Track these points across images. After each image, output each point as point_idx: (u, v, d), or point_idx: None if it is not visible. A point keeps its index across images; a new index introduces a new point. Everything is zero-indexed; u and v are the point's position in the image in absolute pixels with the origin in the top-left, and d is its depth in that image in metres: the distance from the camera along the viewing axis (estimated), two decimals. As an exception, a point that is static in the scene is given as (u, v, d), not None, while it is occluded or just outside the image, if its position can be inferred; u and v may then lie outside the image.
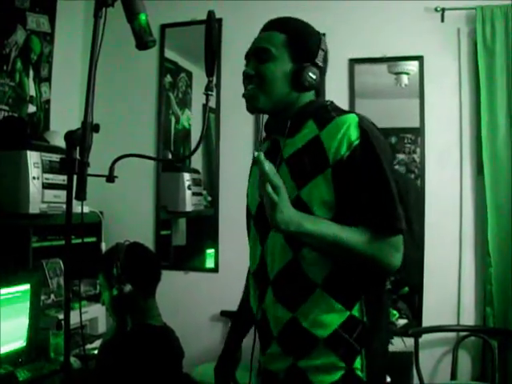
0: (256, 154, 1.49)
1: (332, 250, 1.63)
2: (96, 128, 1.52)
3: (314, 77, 1.77)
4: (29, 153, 3.10)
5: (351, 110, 1.81)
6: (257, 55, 1.82)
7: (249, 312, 1.99)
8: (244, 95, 1.85)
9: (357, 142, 1.64)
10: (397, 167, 3.94)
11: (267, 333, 1.81)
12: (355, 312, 1.70)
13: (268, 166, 1.49)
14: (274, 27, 1.83)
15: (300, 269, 1.71)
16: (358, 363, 1.69)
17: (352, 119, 1.69)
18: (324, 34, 3.66)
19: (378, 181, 1.65)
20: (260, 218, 1.82)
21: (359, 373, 1.69)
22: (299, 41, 1.79)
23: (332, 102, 1.84)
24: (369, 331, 1.71)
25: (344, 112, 1.76)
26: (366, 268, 1.69)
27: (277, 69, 1.77)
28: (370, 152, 1.65)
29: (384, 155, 1.67)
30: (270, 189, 1.49)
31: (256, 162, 1.50)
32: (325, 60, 1.84)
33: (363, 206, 1.64)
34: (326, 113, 1.76)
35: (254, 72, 1.80)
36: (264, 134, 2.01)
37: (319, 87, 1.85)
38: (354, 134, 1.65)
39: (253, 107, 1.85)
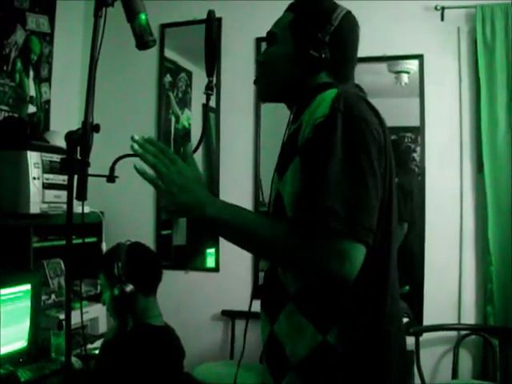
0: (134, 135, 1.43)
1: (244, 244, 1.44)
2: (96, 128, 1.52)
3: (316, 54, 1.56)
4: (29, 153, 3.10)
5: (334, 85, 1.55)
6: (266, 40, 1.72)
7: None
8: (254, 82, 1.77)
9: (320, 120, 1.41)
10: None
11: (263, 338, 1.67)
12: (330, 338, 1.43)
13: (137, 147, 1.40)
14: (288, 8, 1.70)
15: (276, 275, 1.55)
16: None
17: (329, 94, 1.46)
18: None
19: (316, 166, 1.38)
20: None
21: None
22: (303, 18, 1.62)
23: (336, 83, 1.58)
24: (346, 366, 1.43)
25: (327, 88, 1.53)
26: (304, 274, 1.45)
27: (277, 51, 1.66)
28: (326, 130, 1.39)
29: (348, 135, 1.38)
30: (139, 167, 1.39)
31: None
32: (339, 36, 1.59)
33: (299, 196, 1.41)
34: (315, 92, 1.54)
35: (262, 58, 1.73)
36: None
37: (335, 68, 1.61)
38: (321, 110, 1.42)
39: (260, 93, 1.78)
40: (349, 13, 1.65)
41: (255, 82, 1.76)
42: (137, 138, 1.41)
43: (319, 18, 1.59)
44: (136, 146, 1.40)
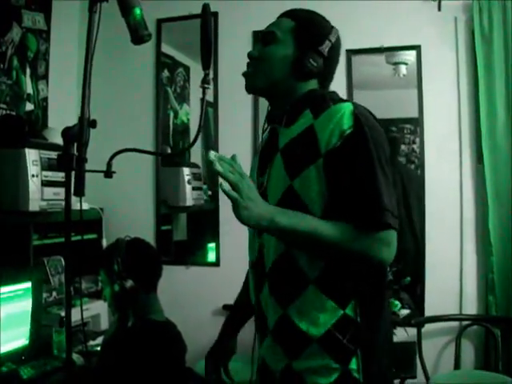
0: (210, 154, 1.48)
1: (311, 245, 1.59)
2: (93, 123, 1.52)
3: (314, 64, 1.74)
4: (27, 151, 3.09)
5: (348, 99, 1.76)
6: (263, 38, 1.81)
7: (247, 304, 1.99)
8: (243, 74, 1.85)
9: (349, 131, 1.59)
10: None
11: (263, 324, 1.80)
12: (348, 311, 1.64)
13: (219, 166, 1.48)
14: (286, 14, 1.84)
15: (293, 262, 1.67)
16: (353, 364, 1.64)
17: (346, 107, 1.64)
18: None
19: (365, 173, 1.58)
20: None
21: (356, 374, 1.63)
22: (307, 29, 1.78)
23: (334, 92, 1.79)
24: (364, 331, 1.65)
25: (340, 100, 1.72)
26: (355, 263, 1.64)
27: (278, 51, 1.77)
28: (360, 142, 1.59)
29: (377, 146, 1.60)
30: (225, 187, 1.47)
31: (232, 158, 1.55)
32: (333, 53, 1.79)
33: (349, 199, 1.58)
34: (323, 102, 1.71)
35: (258, 54, 1.81)
36: (266, 125, 1.96)
37: (324, 78, 1.82)
38: (346, 122, 1.60)
39: (250, 86, 1.84)
40: (338, 34, 1.84)
41: (245, 75, 1.85)
42: (213, 156, 1.49)
43: (321, 33, 1.77)
44: (218, 166, 1.48)
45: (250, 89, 1.86)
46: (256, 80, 1.81)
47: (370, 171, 1.57)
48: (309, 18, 1.82)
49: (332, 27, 1.81)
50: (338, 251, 1.58)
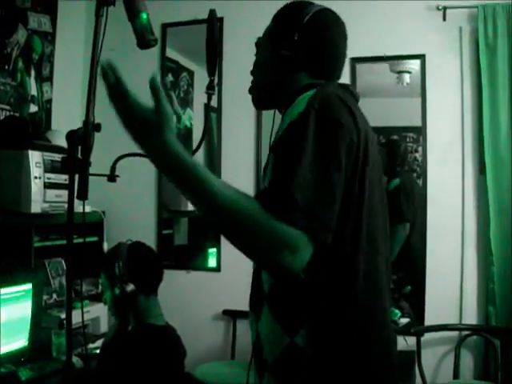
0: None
1: (197, 200, 1.37)
2: (98, 127, 1.52)
3: (287, 53, 1.59)
4: (30, 152, 3.10)
5: (317, 85, 1.54)
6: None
7: None
8: (248, 91, 1.81)
9: (294, 118, 1.41)
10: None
11: None
12: (298, 340, 1.42)
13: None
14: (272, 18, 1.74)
15: (259, 274, 1.57)
16: None
17: (307, 94, 1.46)
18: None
19: (286, 158, 1.36)
20: None
21: None
22: (278, 22, 1.68)
23: (324, 84, 1.57)
24: (314, 369, 1.42)
25: (309, 89, 1.51)
26: (237, 246, 1.36)
27: (260, 57, 1.74)
28: (300, 127, 1.37)
29: (320, 136, 1.36)
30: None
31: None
32: (311, 32, 1.59)
33: (269, 181, 1.37)
34: (297, 94, 1.53)
35: (252, 67, 1.79)
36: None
37: (314, 66, 1.62)
38: (296, 110, 1.42)
39: (254, 104, 1.80)
40: (324, 10, 1.65)
41: (249, 91, 1.79)
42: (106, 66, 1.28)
43: (290, 19, 1.63)
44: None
45: (254, 104, 1.79)
46: (254, 96, 1.76)
47: (294, 155, 1.34)
48: (281, 12, 1.69)
49: (305, 6, 1.63)
50: (223, 219, 1.34)
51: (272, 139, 1.65)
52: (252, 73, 1.77)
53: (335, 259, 1.41)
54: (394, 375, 1.53)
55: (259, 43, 1.74)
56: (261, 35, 1.77)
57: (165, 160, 1.31)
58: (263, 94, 1.74)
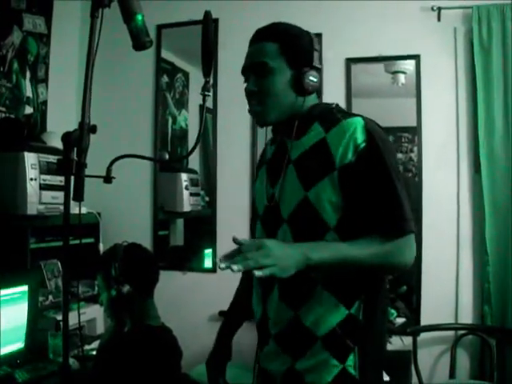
0: (220, 264, 1.51)
1: (346, 269, 1.65)
2: (93, 129, 1.52)
3: (314, 80, 1.78)
4: (26, 154, 3.10)
5: (357, 113, 1.80)
6: (255, 70, 1.82)
7: (241, 310, 2.01)
8: (250, 112, 1.86)
9: (363, 146, 1.65)
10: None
11: (265, 331, 1.84)
12: (353, 311, 1.70)
13: (236, 266, 1.47)
14: (264, 37, 1.83)
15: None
16: (350, 361, 1.70)
17: (358, 122, 1.70)
18: (320, 34, 3.69)
19: (384, 185, 1.65)
20: (267, 218, 1.86)
21: (352, 370, 1.70)
22: (293, 46, 1.79)
23: (337, 105, 1.86)
24: (363, 330, 1.72)
25: (350, 115, 1.78)
26: (381, 272, 1.77)
27: (278, 80, 1.78)
28: (375, 155, 1.66)
29: (390, 157, 1.68)
30: (259, 273, 1.46)
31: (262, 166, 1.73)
32: (320, 60, 1.83)
33: (372, 212, 1.65)
34: (332, 115, 1.77)
35: (257, 88, 1.81)
36: (270, 137, 2.03)
37: (320, 89, 1.87)
38: (360, 137, 1.66)
39: (263, 122, 1.86)
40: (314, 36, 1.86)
41: (253, 112, 1.86)
42: (223, 265, 1.51)
43: (307, 46, 1.80)
44: (235, 267, 1.48)
45: (263, 124, 1.88)
46: (268, 116, 1.82)
47: (389, 182, 1.65)
48: (289, 34, 1.82)
49: (308, 33, 1.84)
50: (370, 267, 1.63)
51: (298, 152, 1.79)
52: (259, 94, 1.81)
53: None
54: None
55: (268, 66, 1.78)
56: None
57: (324, 251, 1.63)
58: (278, 114, 1.82)
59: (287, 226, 1.75)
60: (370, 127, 1.69)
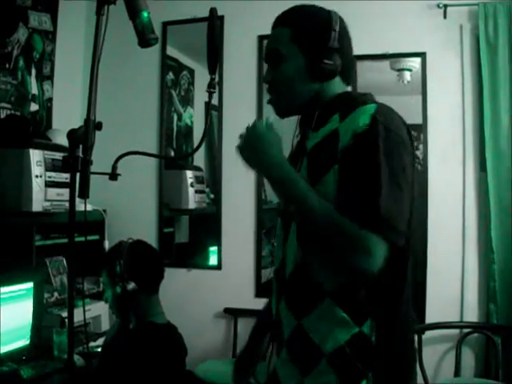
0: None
1: (298, 210, 1.57)
2: (98, 126, 1.52)
3: (331, 62, 1.62)
4: (31, 151, 3.10)
5: (375, 100, 1.65)
6: (269, 59, 1.74)
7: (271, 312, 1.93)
8: (269, 102, 1.79)
9: (362, 129, 1.50)
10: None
11: (280, 336, 1.73)
12: (365, 329, 1.55)
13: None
14: (279, 23, 1.72)
15: (310, 273, 1.59)
16: None
17: (370, 108, 1.55)
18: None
19: (368, 174, 1.48)
20: (284, 213, 1.76)
21: None
22: (305, 30, 1.66)
23: (366, 94, 1.69)
24: (377, 353, 1.55)
25: (370, 102, 1.61)
26: (324, 246, 1.55)
27: (289, 68, 1.67)
28: (371, 141, 1.49)
29: (390, 149, 1.49)
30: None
31: None
32: (343, 40, 1.67)
33: (344, 197, 1.50)
34: (353, 103, 1.61)
35: (271, 78, 1.73)
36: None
37: (345, 70, 1.69)
38: (362, 121, 1.52)
39: (281, 113, 1.76)
40: (339, 15, 1.70)
41: (270, 102, 1.77)
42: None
43: (323, 27, 1.64)
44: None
45: (282, 115, 1.78)
46: (283, 105, 1.74)
47: (375, 173, 1.47)
48: (302, 17, 1.69)
49: (329, 12, 1.68)
50: (314, 223, 1.52)
51: (312, 143, 1.68)
52: (275, 84, 1.73)
53: (399, 259, 1.58)
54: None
55: (280, 52, 1.69)
56: (261, 33, 1.78)
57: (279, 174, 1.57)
58: (297, 103, 1.72)
59: (295, 224, 1.66)
60: (380, 114, 1.53)
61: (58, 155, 3.22)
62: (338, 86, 1.70)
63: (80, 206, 1.62)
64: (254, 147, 1.60)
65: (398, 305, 1.64)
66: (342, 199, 1.50)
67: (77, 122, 1.63)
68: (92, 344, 3.34)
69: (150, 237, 4.06)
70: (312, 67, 1.65)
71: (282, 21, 1.71)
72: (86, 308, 3.48)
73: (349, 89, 1.77)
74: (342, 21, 1.69)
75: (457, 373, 3.59)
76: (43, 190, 3.14)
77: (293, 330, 1.65)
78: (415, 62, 3.91)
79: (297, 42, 1.66)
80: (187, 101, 4.53)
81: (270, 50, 1.73)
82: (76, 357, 2.97)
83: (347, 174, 1.51)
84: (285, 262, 1.69)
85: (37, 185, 3.09)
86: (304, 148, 1.70)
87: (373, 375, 1.54)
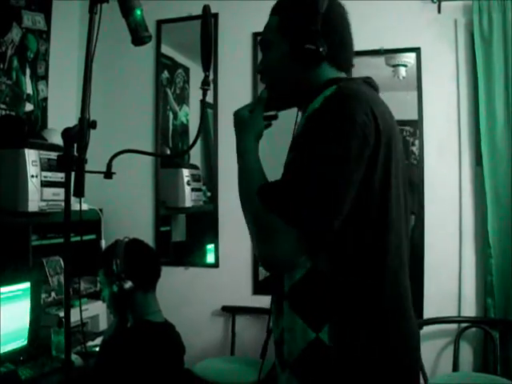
0: None
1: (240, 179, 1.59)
2: (93, 124, 1.52)
3: (312, 46, 1.53)
4: (27, 151, 3.09)
5: (350, 83, 1.58)
6: (260, 48, 1.72)
7: None
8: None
9: (310, 112, 1.46)
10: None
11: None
12: (323, 335, 1.42)
13: None
14: (271, 12, 1.68)
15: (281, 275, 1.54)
16: None
17: (326, 91, 1.49)
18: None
19: (297, 155, 1.44)
20: None
21: None
22: (290, 15, 1.60)
23: (351, 79, 1.64)
24: (340, 362, 1.42)
25: (330, 86, 1.52)
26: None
27: (273, 55, 1.64)
28: (312, 124, 1.44)
29: (337, 129, 1.39)
30: None
31: None
32: (331, 23, 1.57)
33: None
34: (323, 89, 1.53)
35: (261, 67, 1.70)
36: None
37: (335, 56, 1.61)
38: (316, 103, 1.46)
39: (273, 106, 1.70)
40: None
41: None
42: None
43: (306, 10, 1.56)
44: None
45: (274, 106, 1.70)
46: (273, 98, 1.66)
47: (302, 154, 1.41)
48: (289, 3, 1.63)
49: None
50: (249, 222, 1.50)
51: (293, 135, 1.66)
52: (264, 73, 1.69)
53: (363, 252, 1.44)
54: (417, 369, 1.58)
55: (267, 40, 1.66)
56: (256, 30, 1.78)
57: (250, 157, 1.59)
58: (284, 93, 1.67)
59: None
60: (335, 95, 1.45)
61: (54, 155, 3.21)
62: (327, 72, 1.61)
63: (76, 205, 1.62)
64: (235, 132, 1.65)
65: (369, 306, 1.46)
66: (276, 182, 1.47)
67: (72, 121, 1.62)
68: (90, 343, 3.35)
69: (147, 235, 4.06)
70: (294, 53, 1.57)
71: (273, 9, 1.68)
72: (84, 308, 3.49)
73: (342, 75, 1.66)
74: (335, 4, 1.63)
75: (455, 367, 3.59)
76: (39, 190, 3.13)
77: (279, 334, 1.57)
78: (410, 58, 3.91)
79: (281, 28, 1.61)
80: (182, 99, 4.53)
81: (260, 40, 1.73)
82: (74, 356, 2.98)
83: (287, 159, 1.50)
84: None
85: (32, 185, 3.08)
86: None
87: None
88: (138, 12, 1.62)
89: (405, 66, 3.95)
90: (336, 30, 1.60)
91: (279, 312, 1.54)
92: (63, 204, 1.51)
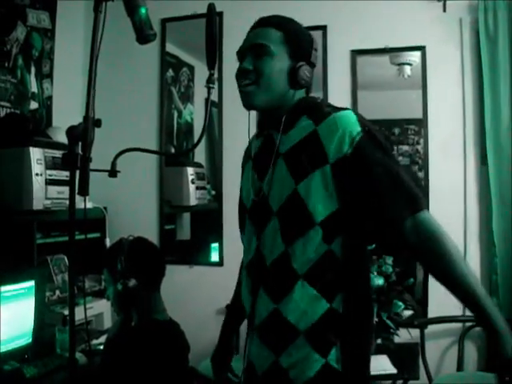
0: None
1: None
2: (98, 123, 1.52)
3: (309, 75, 1.79)
4: (31, 149, 3.10)
5: (344, 107, 1.78)
6: (254, 51, 1.79)
7: (242, 305, 2.00)
8: (241, 91, 1.83)
9: (359, 137, 1.64)
10: (400, 158, 3.93)
11: (252, 324, 1.85)
12: (335, 305, 1.70)
13: None
14: (268, 24, 1.83)
15: (288, 261, 1.71)
16: (332, 355, 1.69)
17: (350, 115, 1.70)
18: (325, 26, 3.68)
19: (387, 170, 1.65)
20: (255, 212, 1.85)
21: (334, 364, 1.69)
22: (296, 39, 1.80)
23: (323, 100, 1.92)
24: (345, 323, 1.71)
25: (338, 108, 1.75)
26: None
27: (275, 65, 1.77)
28: (374, 145, 1.66)
29: (386, 145, 1.69)
30: None
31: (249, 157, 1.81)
32: (316, 60, 1.86)
33: (383, 198, 1.65)
34: (320, 108, 1.77)
35: (252, 67, 1.78)
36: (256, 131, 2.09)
37: (310, 86, 1.88)
38: (355, 129, 1.65)
39: (251, 104, 1.84)
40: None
41: (245, 92, 1.83)
42: None
43: (308, 44, 1.82)
44: None
45: (249, 107, 1.87)
46: (259, 97, 1.80)
47: (391, 167, 1.67)
48: (294, 27, 1.84)
49: (310, 34, 1.86)
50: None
51: (289, 145, 1.78)
52: (256, 74, 1.79)
53: (362, 239, 1.79)
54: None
55: (268, 48, 1.78)
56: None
57: None
58: (271, 100, 1.81)
59: (277, 220, 1.75)
60: (362, 119, 1.70)
61: (58, 153, 3.22)
62: (301, 95, 1.86)
63: (80, 203, 1.62)
64: None
65: (365, 280, 1.83)
66: (390, 201, 1.65)
67: (77, 119, 1.62)
68: (94, 342, 3.35)
69: (152, 234, 4.07)
70: (293, 74, 1.78)
71: (273, 23, 1.82)
72: (89, 306, 3.50)
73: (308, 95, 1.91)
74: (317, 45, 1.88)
75: (459, 367, 3.59)
76: (44, 188, 3.14)
77: (269, 315, 1.76)
78: (415, 57, 3.90)
79: (287, 45, 1.79)
80: (187, 98, 4.53)
81: (258, 44, 1.79)
82: (78, 354, 2.98)
83: (367, 178, 1.65)
84: (262, 253, 1.79)
85: (37, 183, 3.09)
86: (274, 150, 1.81)
87: (341, 343, 1.70)
88: (143, 10, 1.62)
89: (410, 64, 3.94)
90: (315, 64, 1.87)
91: (281, 294, 1.74)
92: (68, 202, 1.51)
